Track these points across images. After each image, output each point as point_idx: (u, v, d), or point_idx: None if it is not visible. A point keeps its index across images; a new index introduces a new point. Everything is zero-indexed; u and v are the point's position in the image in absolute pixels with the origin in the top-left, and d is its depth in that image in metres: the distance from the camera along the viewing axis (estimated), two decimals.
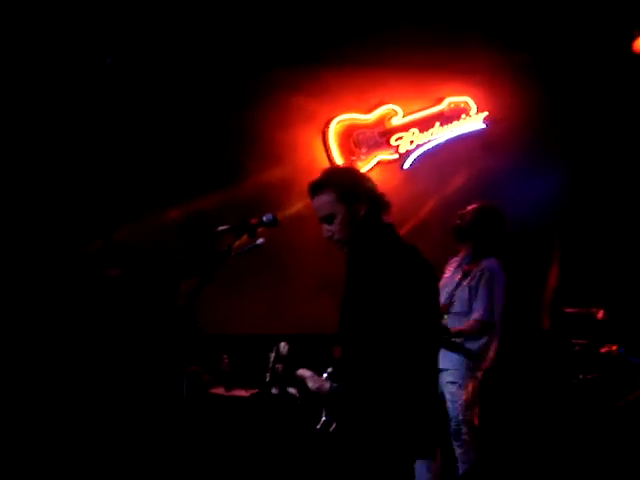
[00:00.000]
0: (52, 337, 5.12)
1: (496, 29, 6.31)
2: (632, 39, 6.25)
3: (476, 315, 4.77)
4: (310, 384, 2.87)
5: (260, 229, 3.33)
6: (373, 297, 2.79)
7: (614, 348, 5.35)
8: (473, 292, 4.81)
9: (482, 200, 5.11)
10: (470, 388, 4.77)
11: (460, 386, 4.73)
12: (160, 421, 4.59)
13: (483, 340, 4.79)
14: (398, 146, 6.50)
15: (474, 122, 6.68)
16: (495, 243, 4.98)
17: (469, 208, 5.05)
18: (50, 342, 5.11)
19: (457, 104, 6.66)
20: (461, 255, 5.05)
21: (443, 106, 6.64)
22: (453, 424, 4.73)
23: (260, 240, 3.34)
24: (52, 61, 5.59)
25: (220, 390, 5.06)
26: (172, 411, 4.27)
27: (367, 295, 2.83)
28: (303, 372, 2.93)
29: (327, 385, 2.84)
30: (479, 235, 4.97)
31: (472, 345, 4.77)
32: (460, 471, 4.72)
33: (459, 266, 5.00)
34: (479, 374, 4.82)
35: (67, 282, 5.40)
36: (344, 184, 2.99)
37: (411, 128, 6.54)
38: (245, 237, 3.32)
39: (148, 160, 5.84)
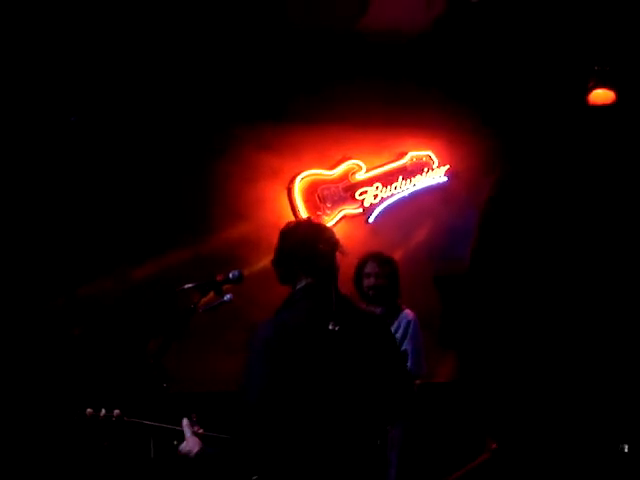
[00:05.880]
0: (10, 396, 5.02)
1: (455, 84, 6.49)
2: (586, 92, 6.45)
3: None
4: (182, 445, 2.82)
5: (226, 286, 3.32)
6: None
7: None
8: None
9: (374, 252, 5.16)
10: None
11: None
12: None
13: None
14: (363, 200, 6.55)
15: (436, 175, 6.78)
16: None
17: (375, 262, 5.00)
18: (8, 402, 5.00)
19: (419, 158, 6.75)
20: (377, 311, 4.76)
21: (406, 160, 6.72)
22: None
23: (227, 297, 3.32)
24: (12, 120, 5.58)
25: None
26: (139, 472, 4.18)
27: None
28: (185, 426, 2.86)
29: (196, 449, 2.80)
30: (396, 287, 4.98)
31: None
32: None
33: None
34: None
35: (29, 340, 5.31)
36: None
37: (375, 182, 6.60)
38: (211, 294, 3.30)
39: (112, 216, 5.80)
